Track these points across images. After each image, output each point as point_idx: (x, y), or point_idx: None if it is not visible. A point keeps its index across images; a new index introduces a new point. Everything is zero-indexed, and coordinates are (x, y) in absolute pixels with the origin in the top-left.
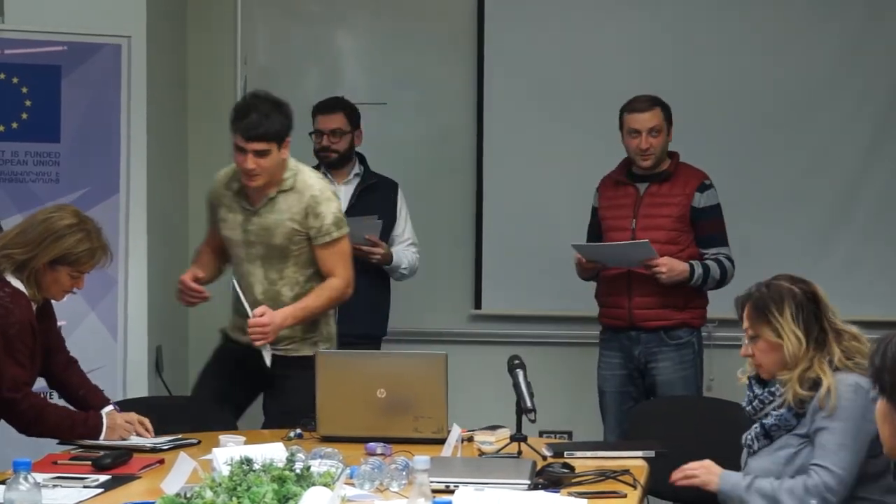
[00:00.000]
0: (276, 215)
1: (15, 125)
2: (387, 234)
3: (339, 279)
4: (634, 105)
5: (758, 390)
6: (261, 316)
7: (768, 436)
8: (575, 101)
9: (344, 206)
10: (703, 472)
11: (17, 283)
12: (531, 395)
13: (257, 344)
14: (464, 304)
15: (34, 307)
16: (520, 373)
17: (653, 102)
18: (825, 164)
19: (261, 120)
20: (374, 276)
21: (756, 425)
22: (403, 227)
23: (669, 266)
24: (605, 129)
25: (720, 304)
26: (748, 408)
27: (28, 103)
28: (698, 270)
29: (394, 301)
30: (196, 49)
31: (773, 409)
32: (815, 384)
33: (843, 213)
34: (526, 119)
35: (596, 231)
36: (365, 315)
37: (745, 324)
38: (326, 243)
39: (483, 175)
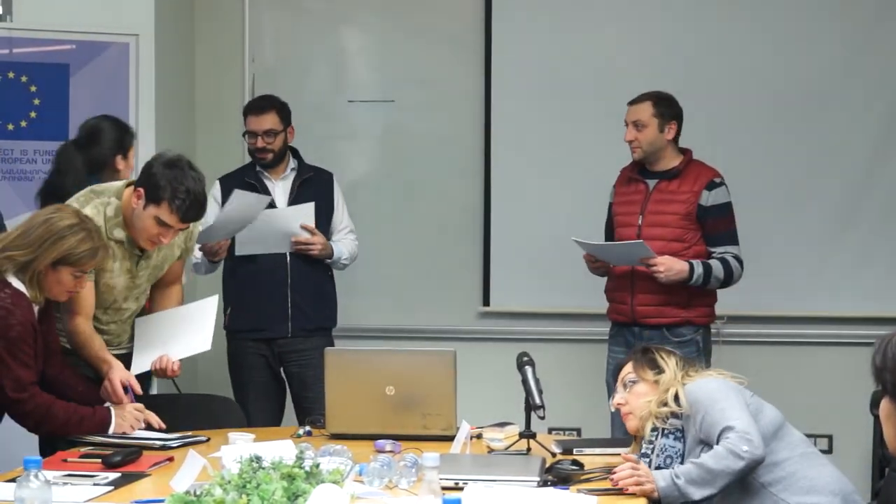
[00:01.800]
0: (166, 250)
1: (24, 123)
2: (327, 224)
3: (181, 286)
4: (632, 99)
5: (642, 450)
6: (166, 365)
7: None
8: (583, 99)
9: (283, 201)
10: (646, 478)
11: (17, 285)
12: (540, 392)
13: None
14: (472, 302)
15: (36, 309)
16: (529, 370)
17: (645, 97)
18: (835, 161)
19: (204, 208)
20: (320, 268)
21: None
22: (342, 216)
23: (667, 266)
24: (614, 127)
25: (729, 300)
26: None
27: (37, 102)
28: (698, 270)
29: (402, 298)
30: (204, 47)
31: (657, 452)
32: (667, 402)
33: (853, 209)
34: (534, 116)
35: (611, 227)
36: (316, 308)
37: (625, 372)
38: (186, 258)
39: (491, 172)
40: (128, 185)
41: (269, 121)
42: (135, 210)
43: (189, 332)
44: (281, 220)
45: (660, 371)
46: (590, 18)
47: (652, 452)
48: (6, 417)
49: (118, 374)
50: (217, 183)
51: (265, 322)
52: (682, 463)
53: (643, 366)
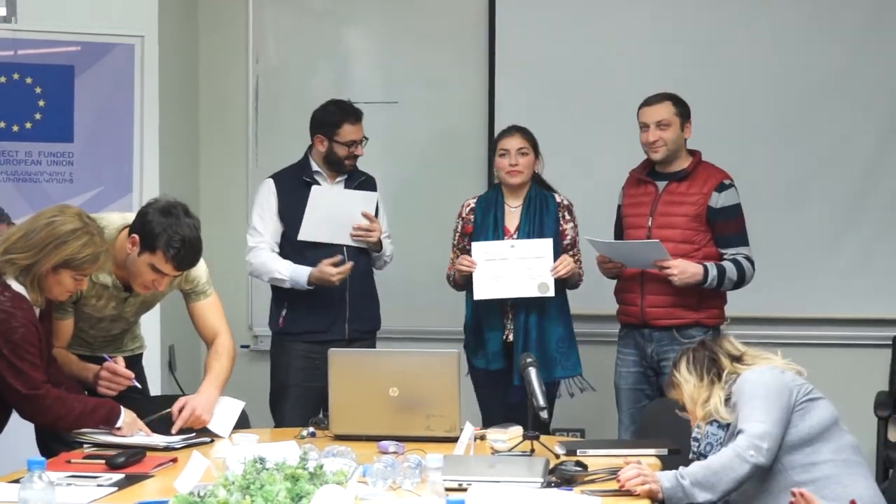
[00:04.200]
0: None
1: (28, 125)
2: None
3: (227, 336)
4: (646, 100)
5: (693, 435)
6: (181, 409)
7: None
8: (586, 100)
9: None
10: (651, 478)
11: (17, 287)
12: (544, 394)
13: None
14: None
15: (37, 311)
16: (532, 371)
17: (664, 97)
18: (838, 162)
19: (199, 255)
20: (368, 269)
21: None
22: (383, 220)
23: (681, 269)
24: (617, 128)
25: (733, 302)
26: (692, 456)
27: (41, 103)
28: (712, 272)
29: (405, 299)
30: (208, 48)
31: (702, 438)
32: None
33: (856, 211)
34: (538, 117)
35: (620, 229)
36: (370, 309)
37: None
38: (204, 300)
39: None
40: (122, 228)
41: (362, 128)
42: (129, 255)
43: (217, 414)
44: (347, 202)
45: (678, 388)
46: (594, 19)
47: (701, 437)
48: (9, 419)
49: (108, 363)
50: (271, 181)
51: (325, 324)
52: (721, 444)
53: (670, 389)
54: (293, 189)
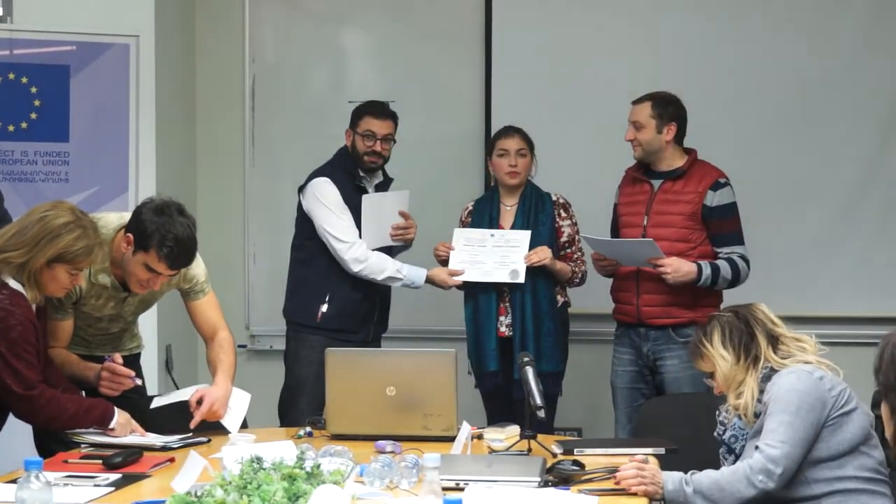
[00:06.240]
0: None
1: (24, 125)
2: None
3: (227, 331)
4: (635, 100)
5: (720, 418)
6: (200, 401)
7: (731, 450)
8: (583, 99)
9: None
10: (650, 481)
11: (14, 285)
12: (541, 393)
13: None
14: None
15: (34, 307)
16: (529, 370)
17: (646, 97)
18: (836, 161)
19: (193, 254)
20: None
21: (722, 447)
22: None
23: (675, 267)
24: (616, 127)
25: (729, 301)
26: (716, 434)
27: (37, 103)
28: (706, 271)
29: (404, 299)
30: (204, 48)
31: (730, 427)
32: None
33: (854, 209)
34: (534, 116)
35: (616, 228)
36: (387, 312)
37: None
38: (203, 298)
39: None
40: (120, 228)
41: (389, 126)
42: (125, 255)
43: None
44: (389, 205)
45: (709, 363)
46: (591, 18)
47: (728, 423)
48: (7, 419)
49: (107, 363)
50: (329, 181)
51: (357, 324)
52: (745, 444)
53: (696, 358)
54: (345, 190)
